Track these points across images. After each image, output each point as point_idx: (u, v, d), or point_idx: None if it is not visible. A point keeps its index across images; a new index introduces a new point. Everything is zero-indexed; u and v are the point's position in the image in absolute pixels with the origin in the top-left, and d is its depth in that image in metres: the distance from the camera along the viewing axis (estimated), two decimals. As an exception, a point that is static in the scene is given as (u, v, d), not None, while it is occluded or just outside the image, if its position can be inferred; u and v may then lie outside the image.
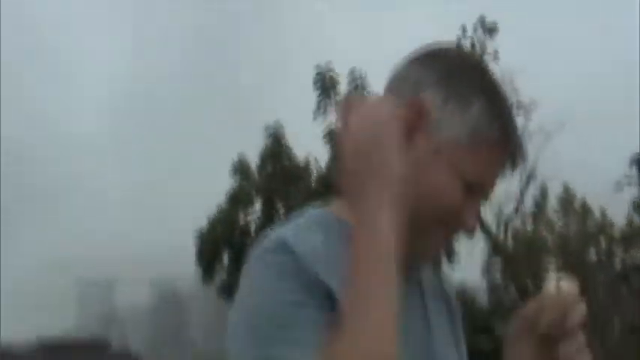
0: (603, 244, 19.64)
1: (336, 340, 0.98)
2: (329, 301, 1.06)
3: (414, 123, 1.15)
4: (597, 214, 19.94)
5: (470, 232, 1.18)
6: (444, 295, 1.37)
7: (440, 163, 1.14)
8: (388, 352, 0.98)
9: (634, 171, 19.28)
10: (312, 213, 1.22)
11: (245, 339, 1.07)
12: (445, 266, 20.14)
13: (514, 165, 1.19)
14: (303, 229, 1.14)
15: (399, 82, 1.21)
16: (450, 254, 19.80)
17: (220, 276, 19.29)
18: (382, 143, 1.06)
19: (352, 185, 1.07)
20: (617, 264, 19.60)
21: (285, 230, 1.14)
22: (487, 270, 21.40)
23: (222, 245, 19.23)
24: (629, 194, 19.44)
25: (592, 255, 19.72)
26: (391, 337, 0.99)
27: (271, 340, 1.03)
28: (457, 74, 1.17)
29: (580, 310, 1.01)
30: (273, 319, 1.04)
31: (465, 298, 20.58)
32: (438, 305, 1.33)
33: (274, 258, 1.08)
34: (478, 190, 1.16)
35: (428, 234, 1.16)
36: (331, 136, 18.45)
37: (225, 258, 19.36)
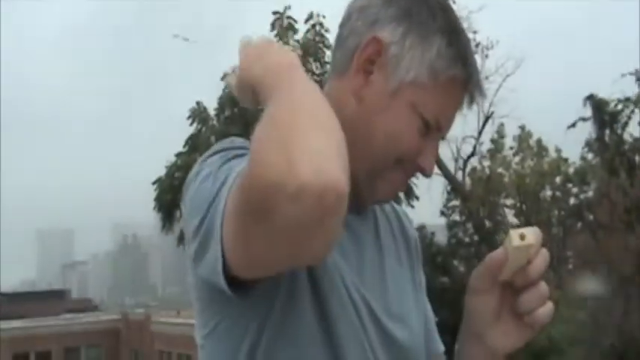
0: (558, 181, 20.02)
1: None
2: None
3: (372, 60, 1.14)
4: (552, 152, 20.28)
5: (428, 172, 1.18)
6: (404, 234, 1.37)
7: (398, 101, 1.13)
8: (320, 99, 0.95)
9: (588, 110, 19.58)
10: None
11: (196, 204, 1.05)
12: (404, 206, 20.42)
13: (472, 103, 1.18)
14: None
15: (356, 19, 1.18)
16: (409, 195, 20.03)
17: (180, 224, 19.26)
18: (270, 49, 1.09)
19: (262, 89, 1.04)
20: (572, 200, 20.03)
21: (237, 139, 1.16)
22: (446, 209, 21.71)
23: (181, 192, 19.12)
24: (583, 132, 19.79)
25: (547, 192, 20.09)
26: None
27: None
28: (417, 12, 1.15)
29: (543, 260, 1.00)
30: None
31: (423, 236, 20.92)
32: (396, 244, 1.33)
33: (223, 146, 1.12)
34: (436, 128, 1.15)
35: (386, 175, 1.16)
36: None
37: (185, 205, 19.26)
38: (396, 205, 1.40)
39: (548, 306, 1.03)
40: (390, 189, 1.19)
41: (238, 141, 1.13)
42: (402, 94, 1.13)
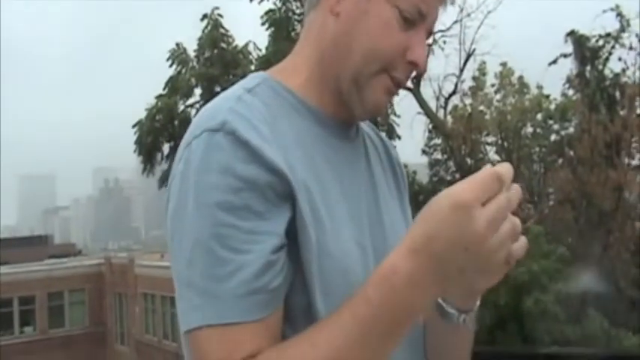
0: (539, 117, 20.06)
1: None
2: (281, 184, 1.03)
3: None
4: (534, 89, 20.27)
5: (420, 65, 1.14)
6: (390, 160, 1.37)
7: (374, 3, 1.11)
8: None
9: (569, 46, 19.53)
10: (250, 79, 1.18)
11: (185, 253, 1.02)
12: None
13: None
14: (240, 102, 1.09)
15: None
16: (391, 134, 20.04)
17: (161, 166, 19.23)
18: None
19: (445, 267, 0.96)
20: (553, 136, 20.11)
21: (222, 104, 1.09)
22: (427, 148, 21.77)
23: (162, 135, 19.06)
24: (564, 69, 19.79)
25: (528, 128, 20.14)
26: None
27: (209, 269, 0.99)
28: None
29: (515, 195, 0.97)
30: (216, 232, 0.99)
31: (406, 174, 21.00)
32: (384, 168, 1.33)
33: (214, 140, 1.03)
34: (419, 19, 1.12)
35: (373, 83, 1.14)
36: (269, 19, 18.12)
37: (166, 148, 19.24)
38: (379, 132, 1.39)
39: (522, 240, 0.98)
40: (380, 95, 1.16)
41: (229, 127, 1.04)
42: None
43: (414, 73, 1.20)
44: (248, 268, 0.98)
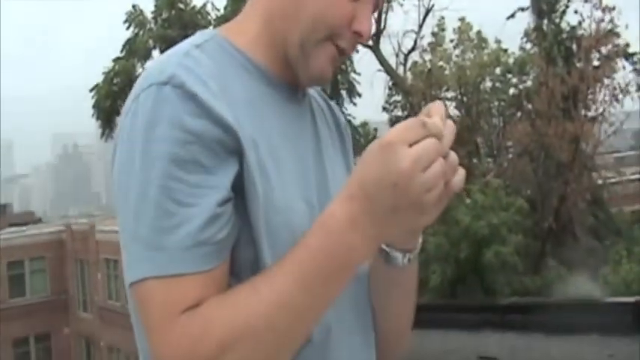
0: (498, 72, 20.15)
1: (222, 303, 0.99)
2: (229, 139, 1.04)
3: None
4: (492, 43, 20.32)
5: (365, 35, 1.17)
6: (336, 121, 1.39)
7: None
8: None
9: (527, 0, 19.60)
10: (199, 36, 1.19)
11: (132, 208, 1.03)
12: (347, 103, 20.45)
13: None
14: (189, 57, 1.09)
15: None
16: (351, 92, 20.02)
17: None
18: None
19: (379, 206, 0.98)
20: (511, 90, 20.25)
21: (170, 59, 1.09)
22: (388, 105, 21.79)
23: (121, 98, 18.80)
24: (522, 23, 19.87)
25: (487, 83, 20.23)
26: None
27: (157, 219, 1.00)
28: None
29: (450, 130, 0.99)
30: (162, 184, 1.00)
31: (367, 133, 21.07)
32: (330, 130, 1.35)
33: (162, 93, 1.03)
34: None
35: (319, 50, 1.15)
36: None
37: (125, 111, 18.99)
38: (325, 95, 1.40)
39: (461, 173, 1.01)
40: (325, 63, 1.17)
41: (178, 80, 1.04)
42: None
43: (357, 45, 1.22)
44: (194, 221, 0.99)
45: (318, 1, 1.13)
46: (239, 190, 1.05)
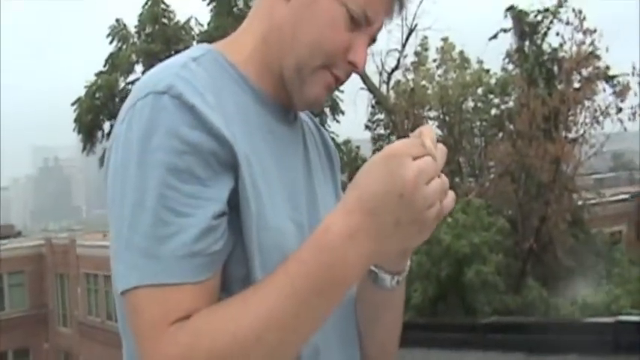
0: (480, 92, 20.30)
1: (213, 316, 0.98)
2: (225, 153, 1.03)
3: None
4: (474, 63, 20.48)
5: (359, 66, 1.17)
6: (326, 147, 1.39)
7: None
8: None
9: (509, 21, 19.80)
10: (195, 49, 1.18)
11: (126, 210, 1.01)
12: (330, 121, 20.49)
13: (401, 8, 1.18)
14: (186, 68, 1.08)
15: None
16: (335, 109, 20.07)
17: (102, 144, 18.93)
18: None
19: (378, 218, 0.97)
20: (493, 110, 20.39)
21: (168, 69, 1.08)
22: (370, 123, 21.88)
23: (102, 113, 18.74)
24: (504, 43, 20.06)
25: (469, 103, 20.37)
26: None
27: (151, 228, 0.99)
28: None
29: (441, 155, 1.00)
30: (158, 193, 0.99)
31: (349, 151, 21.11)
32: (319, 154, 1.35)
33: (160, 102, 1.02)
34: (365, 23, 1.14)
35: (314, 77, 1.15)
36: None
37: (107, 126, 18.93)
38: (315, 119, 1.40)
39: (451, 196, 1.02)
40: (319, 89, 1.17)
41: (175, 90, 1.03)
42: None
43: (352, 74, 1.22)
44: (189, 231, 0.98)
45: (316, 29, 1.13)
46: (233, 206, 1.04)
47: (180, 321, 0.96)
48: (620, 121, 18.56)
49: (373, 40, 1.19)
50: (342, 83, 1.21)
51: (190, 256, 0.98)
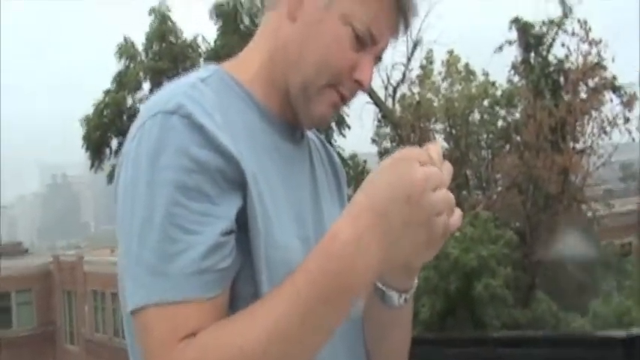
0: (486, 104, 20.30)
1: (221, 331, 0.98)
2: (233, 172, 1.04)
3: None
4: (480, 76, 20.50)
5: (365, 85, 1.18)
6: (332, 164, 1.40)
7: (330, 15, 1.14)
8: None
9: (514, 33, 19.84)
10: (203, 70, 1.19)
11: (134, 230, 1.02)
12: (336, 135, 20.52)
13: (407, 26, 1.18)
14: (195, 89, 1.09)
15: None
16: (341, 124, 20.11)
17: (110, 161, 19.02)
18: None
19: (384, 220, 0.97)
20: (499, 122, 20.38)
21: (177, 89, 1.09)
22: (377, 137, 21.88)
23: (110, 130, 18.83)
24: (509, 55, 20.08)
25: (476, 115, 20.38)
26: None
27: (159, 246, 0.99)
28: None
29: (447, 171, 1.01)
30: (167, 211, 1.00)
31: (356, 165, 21.11)
32: (326, 172, 1.35)
33: (169, 122, 1.03)
34: (370, 42, 1.15)
35: (320, 96, 1.16)
36: (218, 12, 18.01)
37: (114, 143, 19.01)
38: (321, 137, 1.41)
39: (457, 213, 1.02)
40: (326, 108, 1.18)
41: (184, 111, 1.04)
42: (334, 7, 1.13)
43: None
44: (197, 248, 0.98)
45: (322, 48, 1.14)
46: (241, 225, 1.05)
47: (189, 337, 0.96)
48: (628, 131, 18.56)
49: (379, 58, 1.20)
50: (347, 102, 1.22)
51: (199, 273, 0.98)
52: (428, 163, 0.97)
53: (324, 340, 1.00)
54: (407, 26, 1.19)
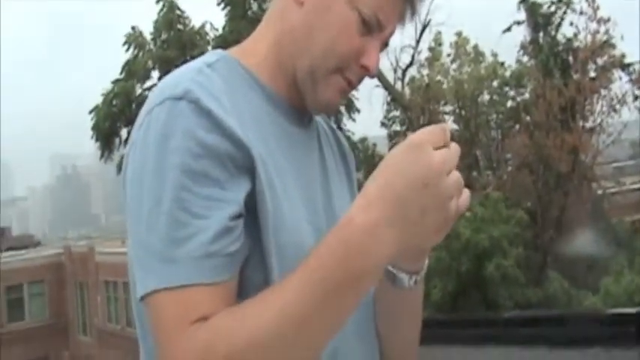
0: (495, 85, 20.22)
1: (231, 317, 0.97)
2: (241, 156, 1.04)
3: None
4: (489, 56, 20.41)
5: (372, 70, 1.18)
6: (340, 148, 1.40)
7: (337, 1, 1.14)
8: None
9: (522, 13, 19.72)
10: (210, 55, 1.19)
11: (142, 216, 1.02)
12: (346, 119, 20.49)
13: (413, 12, 1.19)
14: (202, 74, 1.09)
15: None
16: (350, 108, 20.07)
17: (120, 151, 19.01)
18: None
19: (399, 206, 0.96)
20: (509, 103, 20.32)
21: (184, 75, 1.09)
22: (386, 120, 21.85)
23: (120, 120, 18.83)
24: (518, 36, 19.98)
25: (485, 96, 20.30)
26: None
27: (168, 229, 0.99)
28: None
29: (455, 152, 1.00)
30: (175, 195, 1.00)
31: (366, 148, 21.10)
32: (335, 156, 1.36)
33: (177, 107, 1.03)
34: (377, 28, 1.16)
35: (328, 80, 1.17)
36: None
37: (124, 133, 19.02)
38: (329, 121, 1.41)
39: (466, 193, 1.01)
40: (333, 93, 1.18)
41: (191, 95, 1.04)
42: None
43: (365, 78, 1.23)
44: (207, 232, 0.98)
45: (329, 33, 1.14)
46: (250, 209, 1.05)
47: (201, 321, 0.96)
48: (638, 109, 18.46)
49: (386, 44, 1.20)
50: (354, 87, 1.21)
51: (207, 257, 0.98)
52: (442, 145, 0.97)
53: (337, 326, 0.99)
54: (414, 13, 1.19)
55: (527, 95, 19.84)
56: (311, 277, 0.95)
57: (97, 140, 19.17)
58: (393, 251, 0.97)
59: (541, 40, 19.52)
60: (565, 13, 19.18)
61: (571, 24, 18.93)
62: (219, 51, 1.21)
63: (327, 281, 0.95)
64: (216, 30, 18.97)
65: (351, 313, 1.00)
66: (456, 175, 0.98)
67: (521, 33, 19.86)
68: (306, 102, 1.20)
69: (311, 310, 0.95)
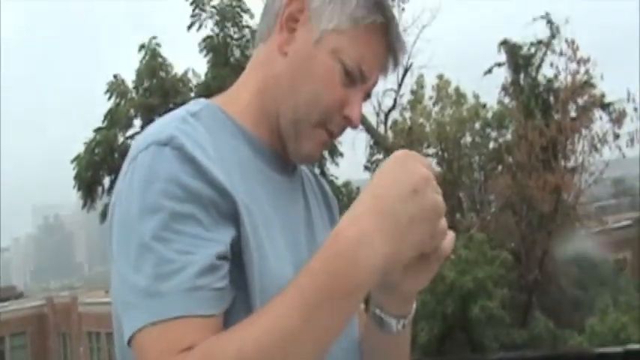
0: (477, 126, 20.38)
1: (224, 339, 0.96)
2: (225, 203, 1.04)
3: (295, 18, 1.18)
4: (471, 98, 20.60)
5: (355, 122, 1.19)
6: (324, 195, 1.41)
7: (321, 51, 1.15)
8: None
9: (503, 55, 19.99)
10: (193, 104, 1.20)
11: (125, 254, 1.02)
12: (329, 164, 20.54)
13: (396, 63, 1.21)
14: (186, 122, 1.10)
15: None
16: (333, 152, 20.12)
17: (102, 200, 18.86)
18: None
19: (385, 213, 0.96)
20: (491, 144, 20.46)
21: (168, 122, 1.10)
22: (369, 164, 21.92)
23: (102, 168, 18.73)
24: (499, 77, 20.22)
25: (467, 138, 20.44)
26: None
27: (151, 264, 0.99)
28: None
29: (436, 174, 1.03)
30: (161, 236, 0.99)
31: (349, 192, 21.11)
32: (319, 204, 1.36)
33: (161, 153, 1.04)
34: (360, 79, 1.17)
35: (310, 133, 1.18)
36: (208, 46, 18.08)
37: (107, 181, 18.91)
38: (312, 168, 1.42)
39: (450, 236, 1.03)
40: (315, 146, 1.19)
41: (176, 142, 1.05)
42: (325, 43, 1.15)
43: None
44: (193, 266, 0.98)
45: (312, 84, 1.16)
46: (235, 255, 1.04)
47: (187, 350, 0.94)
48: (619, 147, 18.63)
49: (368, 95, 1.22)
50: (336, 138, 1.22)
51: (195, 290, 0.97)
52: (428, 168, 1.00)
53: (327, 343, 0.97)
54: (396, 64, 1.21)
55: (509, 136, 20.01)
56: (301, 294, 0.94)
57: (79, 189, 19.04)
58: (383, 263, 0.95)
59: (522, 81, 19.77)
60: (545, 54, 19.47)
61: (551, 65, 19.23)
62: (202, 100, 1.22)
63: (318, 296, 0.94)
64: (199, 77, 19.06)
65: (342, 329, 0.98)
66: (441, 197, 0.99)
67: (502, 74, 20.12)
68: (288, 150, 1.20)
69: (302, 325, 0.93)
